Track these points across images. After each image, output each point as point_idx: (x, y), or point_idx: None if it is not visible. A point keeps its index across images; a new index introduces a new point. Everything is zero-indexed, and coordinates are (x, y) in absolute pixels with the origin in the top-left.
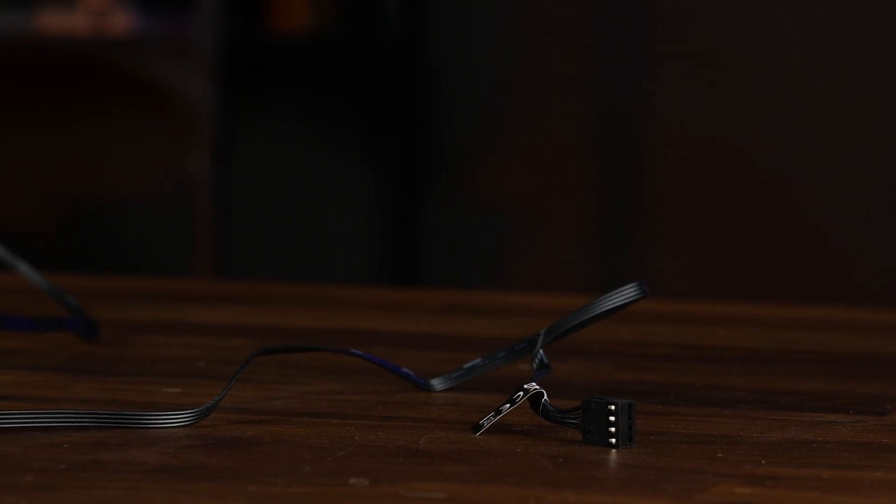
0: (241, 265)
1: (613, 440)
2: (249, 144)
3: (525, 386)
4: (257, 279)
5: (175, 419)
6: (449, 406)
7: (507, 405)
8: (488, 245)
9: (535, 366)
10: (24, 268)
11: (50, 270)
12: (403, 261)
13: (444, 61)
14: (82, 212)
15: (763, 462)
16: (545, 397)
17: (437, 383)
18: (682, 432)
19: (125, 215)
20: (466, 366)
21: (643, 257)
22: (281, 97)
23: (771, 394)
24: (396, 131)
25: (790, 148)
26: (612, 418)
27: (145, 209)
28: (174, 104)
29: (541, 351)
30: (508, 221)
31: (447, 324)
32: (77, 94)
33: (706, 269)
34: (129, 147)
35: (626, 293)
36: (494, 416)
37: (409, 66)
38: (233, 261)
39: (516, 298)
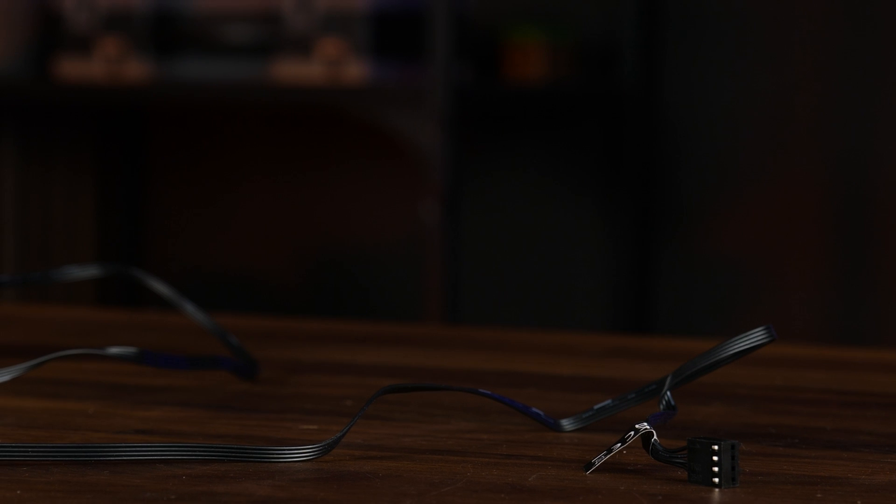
0: (470, 312)
1: (716, 480)
2: (480, 193)
3: (636, 426)
4: (485, 326)
5: (297, 454)
6: (573, 445)
7: (618, 444)
8: (723, 297)
9: (661, 407)
10: (189, 308)
11: (295, 314)
12: (637, 311)
13: (681, 112)
14: (324, 257)
15: (858, 503)
16: (655, 437)
17: (566, 423)
18: (791, 473)
19: (363, 261)
20: (597, 406)
21: (881, 310)
22: (513, 146)
23: None
24: (632, 182)
25: None
26: (715, 458)
27: (381, 255)
28: (406, 152)
29: (668, 393)
30: (744, 274)
31: (603, 367)
32: (312, 142)
33: None
34: (364, 194)
35: (754, 337)
36: (605, 455)
37: (644, 117)
38: (462, 307)
39: (682, 343)
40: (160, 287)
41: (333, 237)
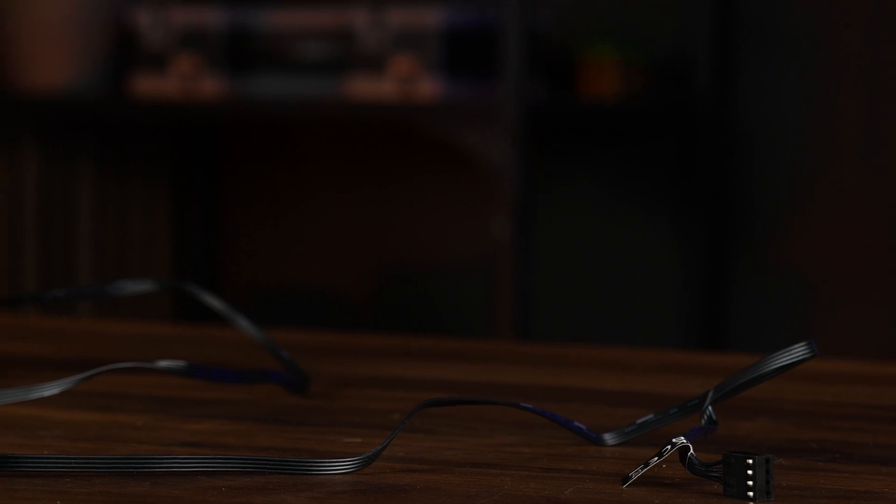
0: (541, 327)
1: (751, 493)
2: (552, 209)
3: (673, 440)
4: (551, 342)
5: (337, 466)
6: (614, 459)
7: (655, 458)
8: (797, 311)
9: (703, 421)
10: (242, 322)
11: (366, 330)
12: (710, 326)
13: (754, 126)
14: (396, 273)
15: None
16: (691, 451)
17: (608, 438)
18: (827, 488)
19: (434, 277)
20: (639, 421)
21: None
22: (585, 163)
23: None
24: (705, 196)
25: None
26: (749, 472)
27: (452, 271)
28: (478, 169)
29: (709, 407)
30: (819, 288)
31: (652, 382)
32: (384, 158)
33: None
34: (436, 210)
35: (795, 352)
36: (642, 469)
37: (718, 132)
38: (533, 323)
39: (733, 359)
40: (213, 301)
41: (406, 253)
